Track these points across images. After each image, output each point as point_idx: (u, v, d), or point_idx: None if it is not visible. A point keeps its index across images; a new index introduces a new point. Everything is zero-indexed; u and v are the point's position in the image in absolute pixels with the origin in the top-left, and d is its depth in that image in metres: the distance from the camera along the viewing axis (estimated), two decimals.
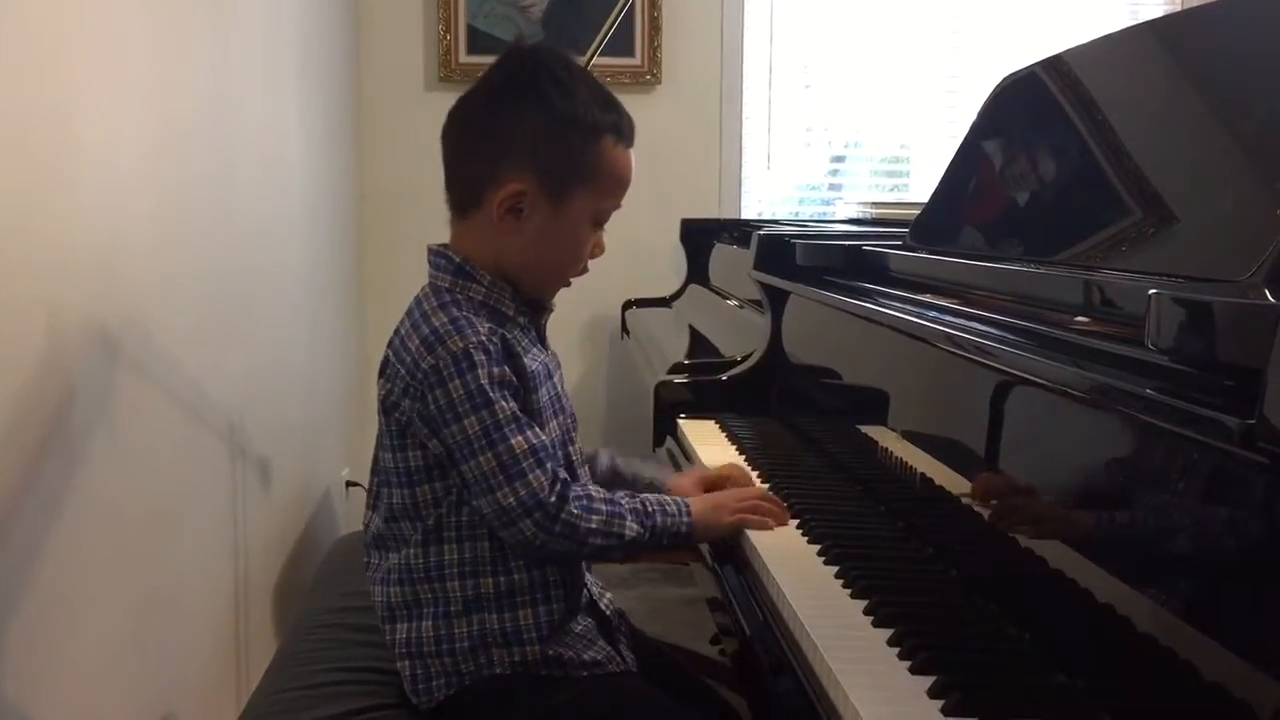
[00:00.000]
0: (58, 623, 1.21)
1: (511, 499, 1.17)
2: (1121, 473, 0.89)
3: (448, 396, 1.18)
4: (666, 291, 3.15)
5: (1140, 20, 1.51)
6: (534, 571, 1.24)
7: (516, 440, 1.18)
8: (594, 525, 1.21)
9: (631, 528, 1.23)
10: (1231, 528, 0.75)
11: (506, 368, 1.20)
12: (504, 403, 1.19)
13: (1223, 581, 0.76)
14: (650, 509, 1.26)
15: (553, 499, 1.18)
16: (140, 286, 1.44)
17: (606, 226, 1.31)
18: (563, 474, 1.21)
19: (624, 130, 1.28)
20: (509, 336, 1.23)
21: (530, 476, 1.17)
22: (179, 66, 1.63)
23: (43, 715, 1.17)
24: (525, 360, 1.23)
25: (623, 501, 1.25)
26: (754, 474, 1.53)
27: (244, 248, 1.96)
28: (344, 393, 3.04)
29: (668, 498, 1.30)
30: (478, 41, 3.27)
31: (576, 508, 1.20)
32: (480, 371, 1.18)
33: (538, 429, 1.21)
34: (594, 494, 1.24)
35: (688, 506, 1.29)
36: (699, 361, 2.15)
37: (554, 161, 1.24)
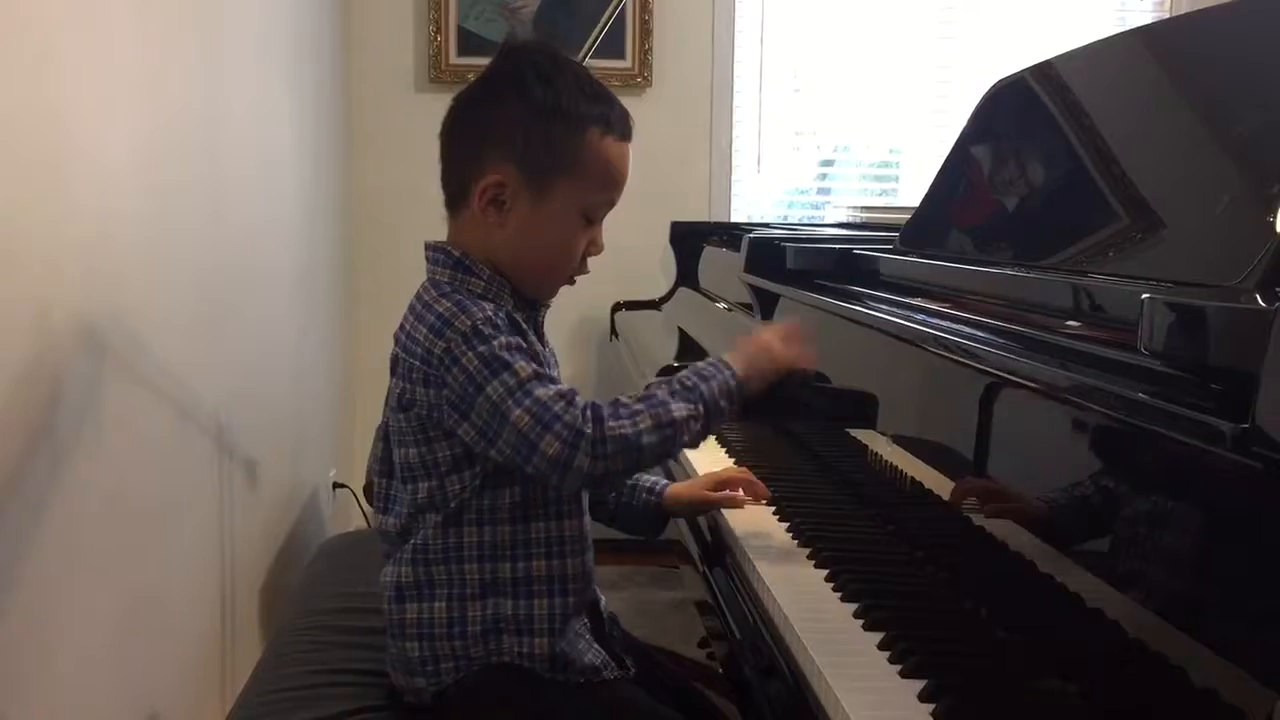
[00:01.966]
0: (43, 622, 1.20)
1: (556, 443, 1.13)
2: (1114, 477, 0.89)
3: (465, 372, 1.16)
4: (656, 294, 3.15)
5: (1128, 26, 1.51)
6: (553, 561, 1.23)
7: (541, 392, 1.15)
8: (642, 426, 1.16)
9: (680, 408, 1.19)
10: (1225, 532, 0.75)
11: (517, 338, 1.20)
12: (522, 363, 1.17)
13: (1215, 586, 0.76)
14: (689, 382, 1.22)
15: (590, 425, 1.15)
16: (129, 285, 1.44)
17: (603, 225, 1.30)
18: (588, 401, 1.18)
19: (614, 123, 1.25)
20: (514, 314, 1.22)
21: (566, 417, 1.14)
22: (169, 66, 1.62)
23: (28, 715, 1.16)
24: (532, 338, 1.23)
25: (657, 392, 1.21)
26: None
27: (233, 247, 1.95)
28: (333, 393, 3.04)
29: (699, 363, 1.26)
30: (468, 43, 3.27)
31: (615, 421, 1.16)
32: (494, 342, 1.17)
33: (558, 380, 1.19)
34: (624, 400, 1.20)
35: (723, 360, 1.26)
36: (688, 364, 2.14)
37: (534, 151, 1.23)
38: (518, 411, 1.14)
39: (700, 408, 1.20)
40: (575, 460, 1.14)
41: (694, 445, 1.23)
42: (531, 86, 1.23)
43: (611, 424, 1.15)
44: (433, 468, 1.23)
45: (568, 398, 1.16)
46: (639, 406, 1.18)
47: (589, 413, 1.16)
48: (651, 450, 1.17)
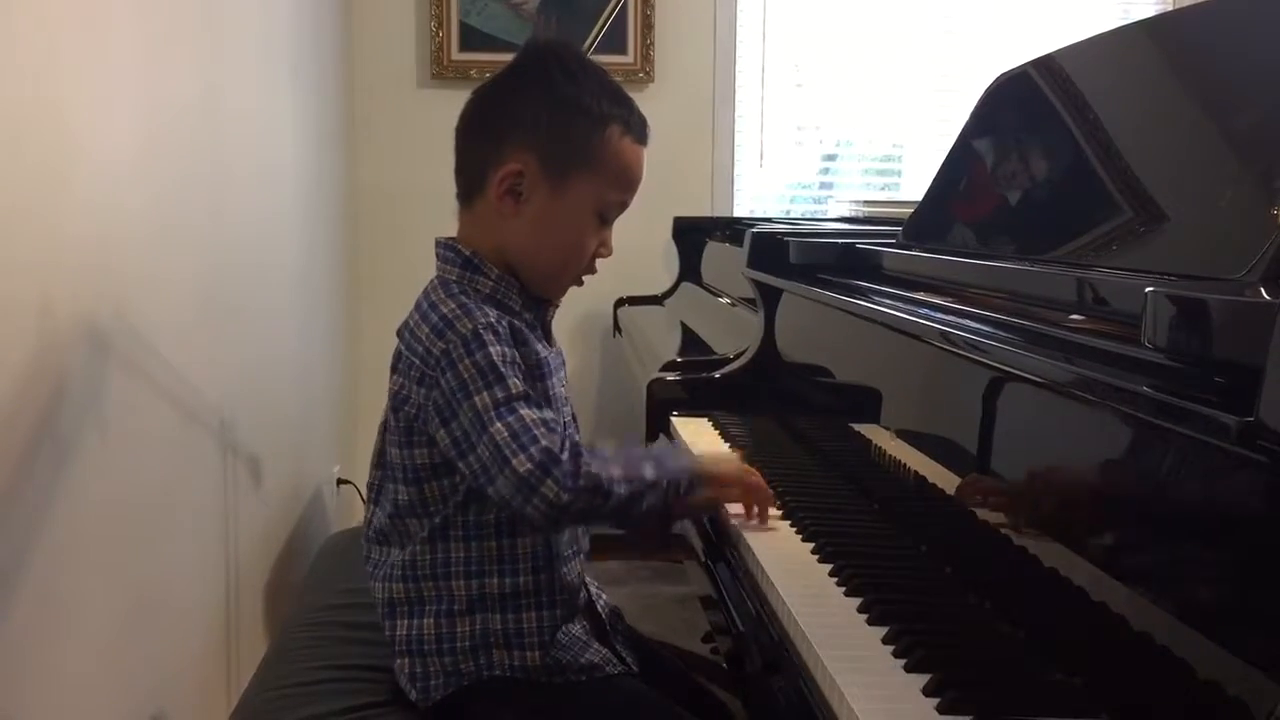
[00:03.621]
0: (48, 621, 1.20)
1: (529, 464, 1.13)
2: (1118, 470, 0.89)
3: (459, 377, 1.17)
4: (659, 289, 3.15)
5: (1132, 19, 1.51)
6: (540, 575, 1.24)
7: (526, 412, 1.16)
8: (615, 474, 1.18)
9: (649, 469, 1.22)
10: (1229, 525, 0.75)
11: (516, 351, 1.20)
12: (514, 379, 1.17)
13: (1219, 579, 0.76)
14: (657, 455, 1.26)
15: (566, 455, 1.15)
16: (132, 283, 1.44)
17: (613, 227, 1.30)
18: (575, 436, 1.20)
19: (633, 124, 1.27)
20: (517, 323, 1.22)
21: (544, 442, 1.14)
22: (171, 63, 1.62)
23: (33, 714, 1.16)
24: (536, 346, 1.23)
25: (632, 452, 1.25)
26: None
27: (236, 245, 1.95)
28: (335, 390, 3.04)
29: (665, 449, 1.31)
30: (470, 38, 3.26)
31: (591, 459, 1.18)
32: (492, 350, 1.17)
33: (546, 409, 1.20)
34: (603, 451, 1.22)
35: (687, 459, 1.31)
36: (692, 359, 2.15)
37: (555, 143, 1.24)
38: (499, 424, 1.15)
39: (664, 482, 1.22)
40: (543, 485, 1.14)
41: (648, 515, 1.24)
42: (557, 80, 1.25)
43: (588, 459, 1.17)
44: (411, 472, 1.23)
45: (550, 425, 1.17)
46: (617, 457, 1.20)
47: (569, 445, 1.17)
48: (618, 500, 1.18)
